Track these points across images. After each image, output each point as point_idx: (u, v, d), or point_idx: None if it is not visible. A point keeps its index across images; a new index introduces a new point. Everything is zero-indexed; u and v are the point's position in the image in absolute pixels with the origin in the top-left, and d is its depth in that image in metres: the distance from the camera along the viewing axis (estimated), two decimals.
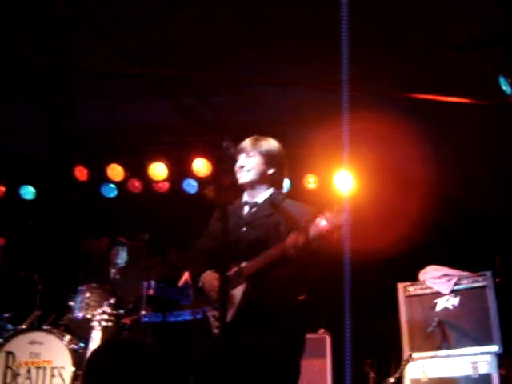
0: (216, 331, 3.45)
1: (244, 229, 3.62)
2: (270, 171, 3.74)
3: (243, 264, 3.48)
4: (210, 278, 3.53)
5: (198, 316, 6.13)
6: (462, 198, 7.08)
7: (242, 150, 3.73)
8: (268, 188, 3.75)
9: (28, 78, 5.87)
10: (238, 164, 3.70)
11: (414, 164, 6.78)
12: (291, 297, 3.55)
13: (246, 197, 3.77)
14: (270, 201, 3.71)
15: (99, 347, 3.01)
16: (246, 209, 3.73)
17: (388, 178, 6.88)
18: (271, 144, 3.79)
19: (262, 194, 3.73)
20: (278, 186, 3.81)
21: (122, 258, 6.52)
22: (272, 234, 3.55)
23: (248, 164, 3.69)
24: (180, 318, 6.98)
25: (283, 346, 3.43)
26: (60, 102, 6.28)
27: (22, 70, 5.72)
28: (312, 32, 5.29)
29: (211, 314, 3.53)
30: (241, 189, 3.78)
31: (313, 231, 3.33)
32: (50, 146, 7.17)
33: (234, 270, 3.47)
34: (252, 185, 3.73)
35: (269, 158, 3.73)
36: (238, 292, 3.45)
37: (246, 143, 3.77)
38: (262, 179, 3.73)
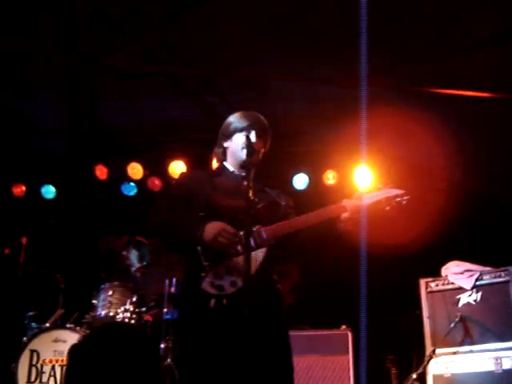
0: (213, 302, 3.28)
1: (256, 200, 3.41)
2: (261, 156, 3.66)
3: (259, 227, 3.37)
4: (216, 225, 3.31)
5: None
6: (484, 193, 7.04)
7: (253, 127, 3.58)
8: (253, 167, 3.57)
9: (50, 78, 5.91)
10: (250, 141, 3.45)
11: (434, 159, 6.76)
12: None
13: (231, 168, 3.63)
14: (256, 178, 3.53)
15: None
16: (237, 179, 3.56)
17: (409, 174, 6.86)
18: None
19: (250, 171, 3.53)
20: (257, 167, 3.64)
21: (134, 257, 6.55)
22: (277, 206, 3.55)
23: (261, 147, 3.58)
24: None
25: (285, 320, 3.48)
26: (81, 102, 6.33)
27: (44, 70, 5.77)
28: (331, 27, 5.29)
29: (208, 280, 3.31)
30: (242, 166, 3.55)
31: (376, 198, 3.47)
32: (70, 145, 7.23)
33: (254, 231, 3.34)
34: (252, 165, 3.46)
35: (266, 146, 3.67)
36: (258, 255, 3.35)
37: (260, 121, 3.63)
38: (258, 160, 3.61)
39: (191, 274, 3.40)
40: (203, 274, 3.33)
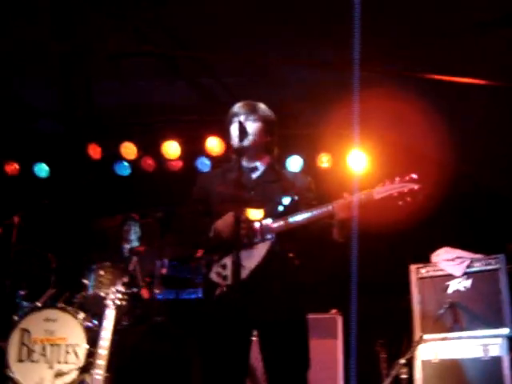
0: (219, 291, 3.40)
1: (252, 192, 3.57)
2: (268, 138, 3.69)
3: (269, 220, 3.45)
4: (226, 219, 3.44)
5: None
6: (476, 180, 7.04)
7: (240, 113, 3.65)
8: (264, 155, 3.71)
9: (44, 59, 5.88)
10: (236, 127, 3.51)
11: (428, 144, 6.74)
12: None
13: (242, 161, 3.63)
14: (271, 168, 3.71)
15: None
16: (246, 172, 3.65)
17: (401, 158, 6.85)
18: (269, 111, 3.74)
19: (261, 161, 3.70)
20: (272, 153, 3.75)
21: (135, 234, 6.57)
22: (289, 198, 3.55)
23: (249, 128, 3.57)
24: (193, 296, 7.03)
25: (300, 309, 3.54)
26: (75, 82, 6.29)
27: (38, 51, 5.73)
28: (327, 12, 5.25)
29: (215, 270, 3.46)
30: (236, 152, 3.64)
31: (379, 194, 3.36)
32: (64, 124, 7.20)
33: (259, 224, 3.45)
34: (250, 151, 3.64)
35: (268, 125, 3.68)
36: (260, 248, 3.43)
37: (245, 107, 3.69)
38: (260, 146, 3.67)
39: (204, 264, 3.57)
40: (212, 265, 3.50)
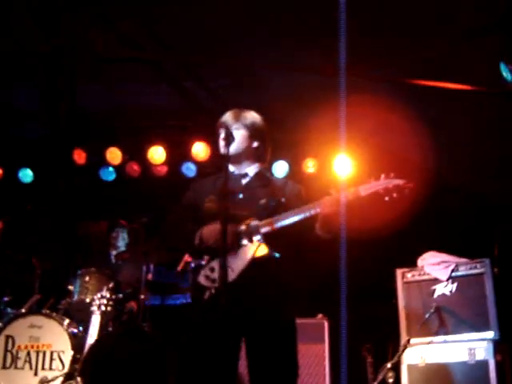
0: (208, 294, 3.40)
1: (241, 195, 3.61)
2: (255, 144, 3.70)
3: (256, 222, 3.46)
4: (212, 227, 3.44)
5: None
6: (462, 185, 7.08)
7: (224, 123, 3.65)
8: (254, 162, 3.73)
9: (29, 61, 5.84)
10: (222, 137, 3.56)
11: (414, 150, 6.77)
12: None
13: (232, 168, 3.70)
14: (261, 174, 3.73)
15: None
16: (236, 179, 3.68)
17: (387, 163, 6.87)
18: (255, 117, 3.74)
19: (251, 167, 3.72)
20: (262, 160, 3.77)
21: (122, 240, 6.55)
22: (276, 200, 3.56)
23: (234, 135, 3.56)
24: (178, 302, 7.01)
25: (289, 312, 3.54)
26: (60, 85, 6.26)
27: (22, 53, 5.70)
28: (312, 17, 5.26)
29: (203, 273, 3.46)
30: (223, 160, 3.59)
31: (366, 190, 3.38)
32: (48, 129, 7.16)
33: (246, 226, 3.46)
34: (237, 158, 3.66)
35: (253, 131, 3.68)
36: (248, 250, 3.43)
37: (229, 116, 3.71)
38: (247, 153, 3.69)
39: (192, 269, 3.55)
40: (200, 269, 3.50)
